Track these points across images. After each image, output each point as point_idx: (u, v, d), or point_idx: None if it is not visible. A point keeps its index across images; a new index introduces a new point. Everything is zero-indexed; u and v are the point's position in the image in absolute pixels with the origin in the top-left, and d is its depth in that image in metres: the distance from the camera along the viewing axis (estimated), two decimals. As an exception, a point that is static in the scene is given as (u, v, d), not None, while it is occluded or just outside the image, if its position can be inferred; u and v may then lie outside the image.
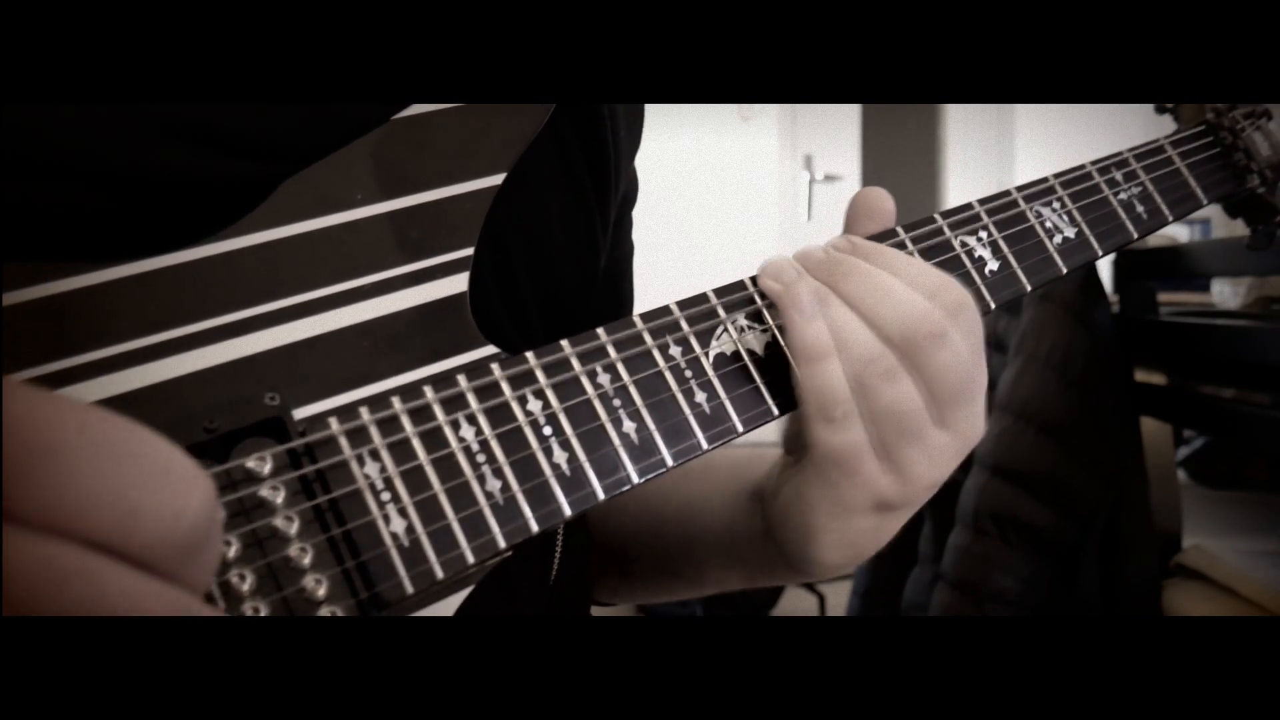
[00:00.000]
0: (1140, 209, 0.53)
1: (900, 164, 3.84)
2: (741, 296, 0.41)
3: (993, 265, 0.47)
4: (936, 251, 0.46)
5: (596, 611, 0.57)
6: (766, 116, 3.39)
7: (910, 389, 0.39)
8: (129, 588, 0.23)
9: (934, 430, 0.40)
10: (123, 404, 0.32)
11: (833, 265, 0.41)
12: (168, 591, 0.24)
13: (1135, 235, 0.52)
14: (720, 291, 0.41)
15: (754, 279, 0.42)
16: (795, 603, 2.52)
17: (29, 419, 0.22)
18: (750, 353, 0.40)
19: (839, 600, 2.27)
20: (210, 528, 0.24)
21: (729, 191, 3.35)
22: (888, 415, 0.39)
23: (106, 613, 0.22)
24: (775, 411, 0.40)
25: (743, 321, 0.41)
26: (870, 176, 3.68)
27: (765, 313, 0.41)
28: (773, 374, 0.41)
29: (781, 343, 0.41)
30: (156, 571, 0.24)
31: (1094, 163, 0.53)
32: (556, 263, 0.49)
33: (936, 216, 0.47)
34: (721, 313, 0.41)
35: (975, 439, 0.41)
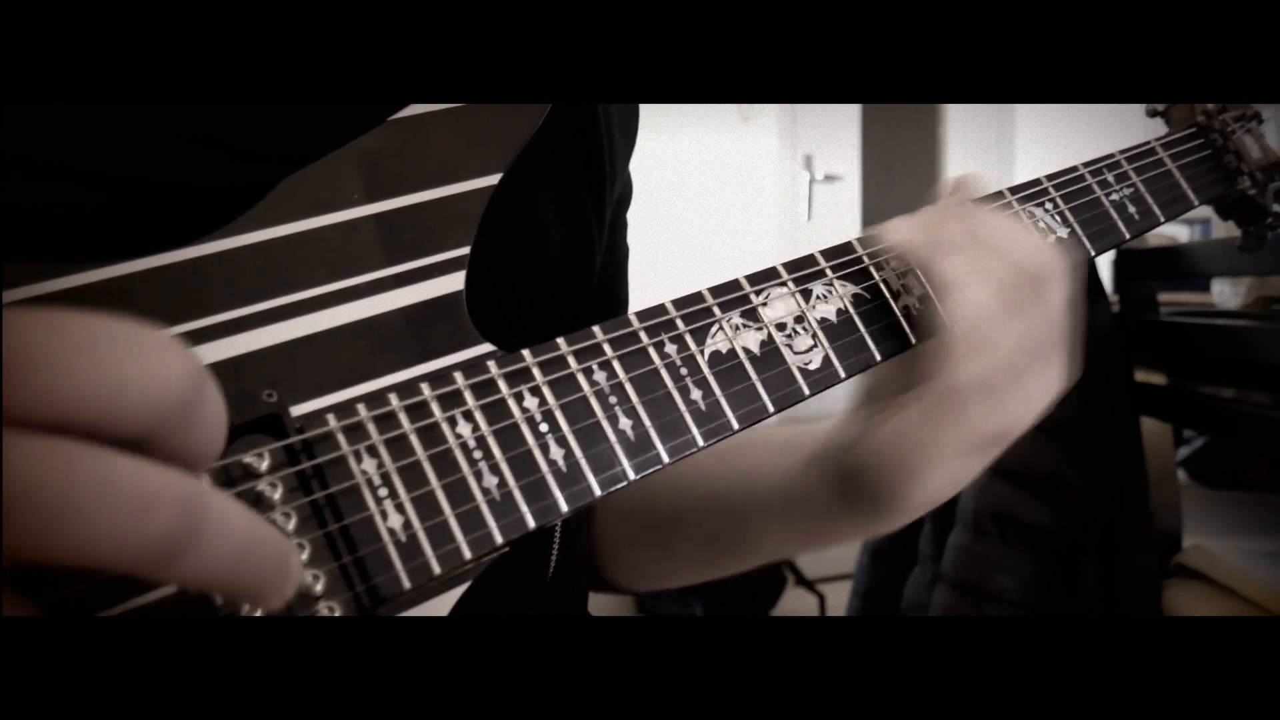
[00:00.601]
0: (1132, 210, 0.53)
1: (900, 164, 3.83)
2: (736, 295, 0.41)
3: None
4: None
5: (596, 612, 0.57)
6: (766, 116, 3.38)
7: (1037, 322, 0.42)
8: (131, 466, 0.22)
9: (1046, 367, 0.43)
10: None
11: (962, 213, 0.44)
12: (170, 471, 0.23)
13: (1127, 235, 0.53)
14: (715, 290, 0.41)
15: (844, 247, 0.45)
16: (795, 603, 2.52)
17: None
18: (746, 350, 0.41)
19: (839, 600, 2.27)
20: (202, 390, 0.24)
21: (729, 191, 3.35)
22: (1018, 347, 0.41)
23: (114, 493, 0.22)
24: (771, 409, 0.40)
25: (738, 320, 0.41)
26: (870, 176, 3.67)
27: (760, 311, 0.41)
28: (768, 371, 0.41)
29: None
30: (157, 442, 0.23)
31: (1086, 164, 0.53)
32: (552, 262, 0.49)
33: None
34: (717, 311, 0.41)
35: (1064, 381, 0.44)
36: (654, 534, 0.57)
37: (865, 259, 0.45)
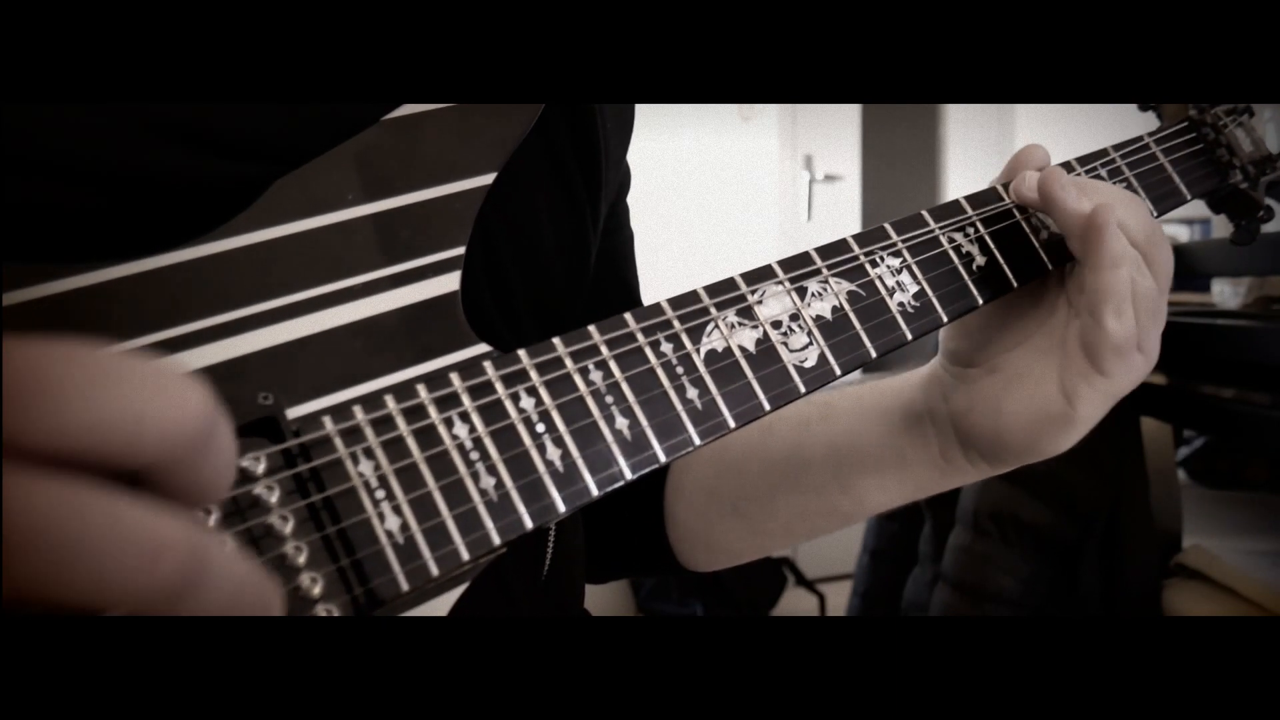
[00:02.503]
0: None
1: (900, 164, 3.83)
2: (732, 294, 0.41)
3: (980, 261, 0.47)
4: (922, 249, 0.46)
5: (596, 612, 0.57)
6: (766, 116, 3.38)
7: (1152, 281, 0.46)
8: (142, 512, 0.22)
9: (1160, 318, 0.46)
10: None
11: (1082, 184, 0.47)
12: (178, 517, 0.23)
13: None
14: (711, 289, 0.41)
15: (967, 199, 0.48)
16: (795, 603, 2.52)
17: (14, 358, 0.22)
18: (741, 348, 0.40)
19: (839, 600, 2.27)
20: (216, 425, 0.24)
21: (729, 191, 3.35)
22: (1144, 305, 0.45)
23: (124, 538, 0.22)
24: (767, 407, 0.40)
25: (733, 318, 0.41)
26: (870, 176, 3.67)
27: (755, 309, 0.41)
28: (764, 369, 0.41)
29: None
30: (171, 476, 0.23)
31: (1079, 160, 0.53)
32: (547, 261, 0.49)
33: (924, 214, 0.47)
34: (712, 309, 0.40)
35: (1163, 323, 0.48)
36: (742, 512, 0.58)
37: (860, 256, 0.45)
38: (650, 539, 0.60)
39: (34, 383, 0.21)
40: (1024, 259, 0.48)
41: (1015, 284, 0.48)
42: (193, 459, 0.24)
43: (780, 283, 0.42)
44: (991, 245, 0.48)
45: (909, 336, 0.44)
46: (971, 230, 0.48)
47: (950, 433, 0.50)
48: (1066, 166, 0.52)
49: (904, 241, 0.46)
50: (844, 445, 0.54)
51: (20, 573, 0.21)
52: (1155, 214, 0.54)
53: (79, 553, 0.21)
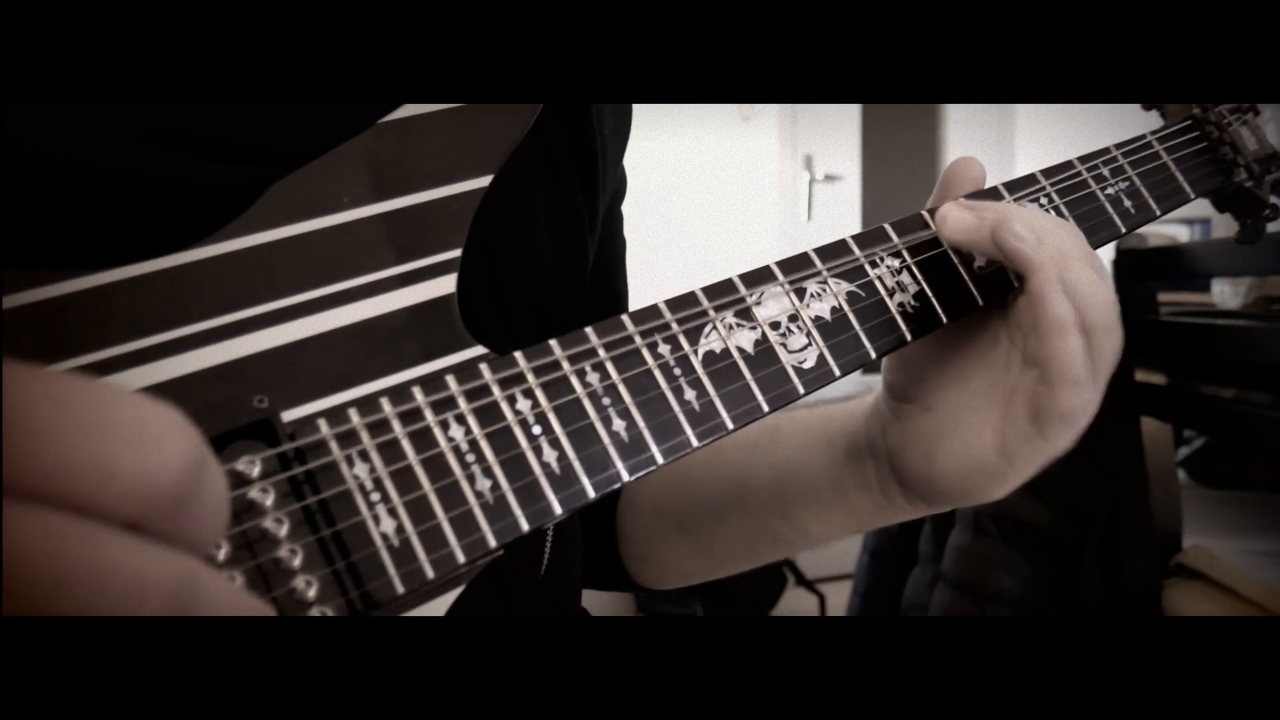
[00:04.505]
0: (1128, 204, 0.53)
1: (900, 164, 3.83)
2: (730, 295, 0.41)
3: (980, 261, 0.47)
4: (926, 247, 0.46)
5: (596, 612, 0.57)
6: (766, 116, 3.38)
7: (1119, 337, 0.42)
8: (124, 549, 0.22)
9: (1105, 375, 0.43)
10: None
11: (1032, 222, 0.43)
12: (164, 555, 0.23)
13: (1123, 230, 0.52)
14: (709, 290, 0.41)
15: (819, 249, 0.44)
16: (795, 603, 2.52)
17: None
18: (740, 350, 0.40)
19: (839, 600, 2.27)
20: (198, 476, 0.24)
21: (729, 191, 3.35)
22: (1107, 364, 0.42)
23: (105, 576, 0.22)
24: (765, 408, 0.40)
25: (732, 319, 0.41)
26: (870, 176, 3.67)
27: (753, 310, 0.41)
28: (762, 371, 0.40)
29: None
30: (148, 531, 0.23)
31: (1081, 159, 0.53)
32: (543, 263, 0.49)
33: (924, 214, 0.47)
34: (710, 310, 0.40)
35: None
36: (689, 532, 0.57)
37: (859, 256, 0.44)
38: (602, 554, 0.60)
39: (13, 416, 0.21)
40: (953, 292, 0.46)
41: (944, 320, 0.45)
42: (168, 513, 0.23)
43: (779, 284, 0.42)
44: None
45: (909, 337, 0.44)
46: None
47: (887, 468, 0.49)
48: (1008, 187, 0.50)
49: (904, 242, 0.45)
50: (786, 472, 0.53)
51: (11, 603, 0.21)
52: (1092, 244, 0.50)
53: (59, 588, 0.21)
